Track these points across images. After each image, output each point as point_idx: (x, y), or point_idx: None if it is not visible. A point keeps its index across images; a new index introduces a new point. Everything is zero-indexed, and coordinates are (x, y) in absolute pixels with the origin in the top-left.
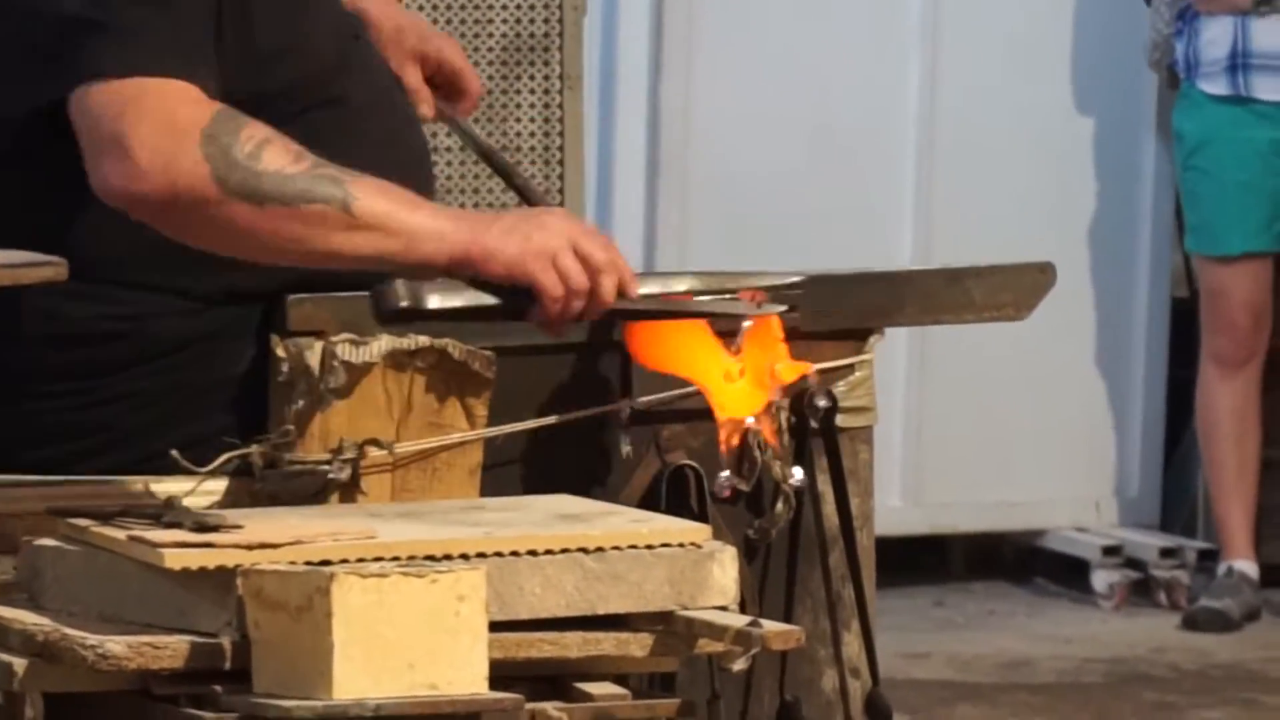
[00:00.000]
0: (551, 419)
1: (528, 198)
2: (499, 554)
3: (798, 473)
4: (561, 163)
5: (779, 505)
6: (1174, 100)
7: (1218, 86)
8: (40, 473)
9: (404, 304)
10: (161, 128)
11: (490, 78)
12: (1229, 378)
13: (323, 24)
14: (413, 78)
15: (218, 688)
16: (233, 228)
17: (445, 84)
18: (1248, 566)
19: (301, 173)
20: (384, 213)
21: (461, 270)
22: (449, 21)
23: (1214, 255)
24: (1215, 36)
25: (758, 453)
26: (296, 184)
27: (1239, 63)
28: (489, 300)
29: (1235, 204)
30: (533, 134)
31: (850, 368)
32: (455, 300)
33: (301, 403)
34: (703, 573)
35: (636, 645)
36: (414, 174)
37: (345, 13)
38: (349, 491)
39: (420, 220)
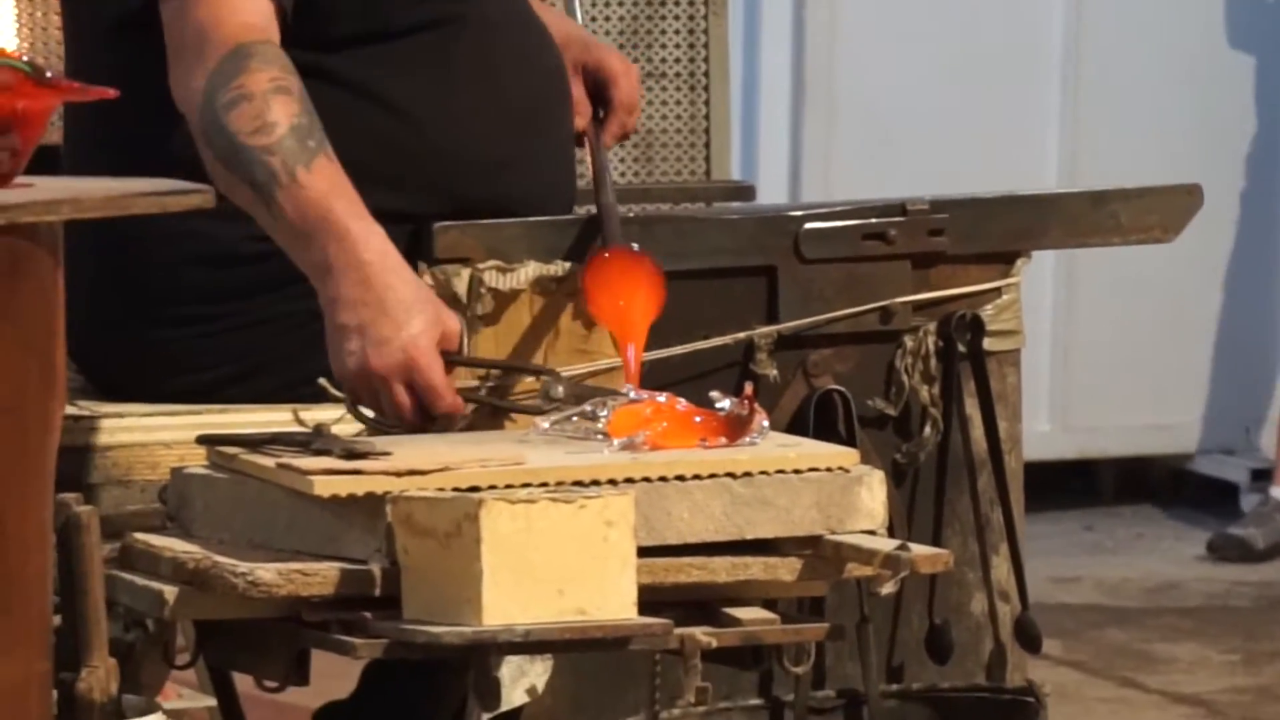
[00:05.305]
0: (699, 344)
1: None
2: (647, 479)
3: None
4: (707, 87)
5: (926, 429)
6: None
7: None
8: (182, 401)
9: None
10: (203, 34)
11: (635, 3)
12: None
13: None
14: (575, 88)
15: (367, 614)
16: (208, 160)
17: (603, 93)
18: None
19: (251, 145)
20: (299, 222)
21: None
22: None
23: None
24: None
25: (905, 377)
26: (240, 154)
27: None
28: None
29: None
30: (678, 59)
31: (997, 291)
32: None
33: None
34: (851, 497)
35: (785, 570)
36: (547, 92)
37: None
38: (497, 418)
39: (314, 258)
